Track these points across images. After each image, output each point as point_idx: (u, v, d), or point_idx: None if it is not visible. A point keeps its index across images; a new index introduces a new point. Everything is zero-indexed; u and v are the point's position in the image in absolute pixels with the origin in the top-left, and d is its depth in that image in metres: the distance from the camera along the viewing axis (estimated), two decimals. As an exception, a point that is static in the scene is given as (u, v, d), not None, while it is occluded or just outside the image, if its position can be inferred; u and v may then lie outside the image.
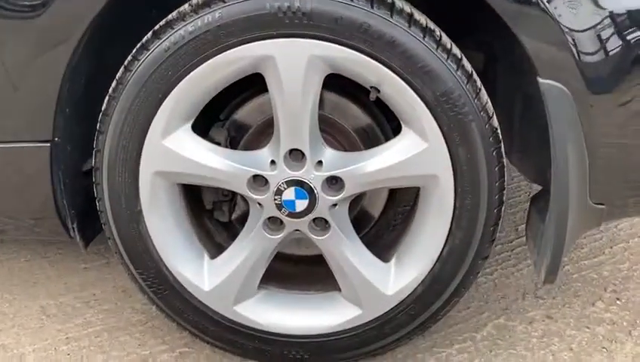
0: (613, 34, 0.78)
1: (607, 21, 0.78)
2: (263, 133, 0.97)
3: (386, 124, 1.00)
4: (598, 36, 0.78)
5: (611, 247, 1.37)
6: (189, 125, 0.89)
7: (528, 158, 1.06)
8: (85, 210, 1.00)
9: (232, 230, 1.05)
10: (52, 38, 0.85)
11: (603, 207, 0.91)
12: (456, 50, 0.83)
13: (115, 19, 0.87)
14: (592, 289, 1.22)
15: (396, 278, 0.94)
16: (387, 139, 0.97)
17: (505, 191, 0.89)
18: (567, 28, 0.78)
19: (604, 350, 1.06)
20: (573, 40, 0.78)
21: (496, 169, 0.86)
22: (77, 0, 0.83)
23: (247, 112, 0.99)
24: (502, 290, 1.22)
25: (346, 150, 0.96)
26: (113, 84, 0.87)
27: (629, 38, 0.79)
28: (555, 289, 1.22)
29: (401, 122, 0.87)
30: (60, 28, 0.84)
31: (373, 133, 0.98)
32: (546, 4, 0.77)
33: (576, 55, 0.79)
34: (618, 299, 1.19)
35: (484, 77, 0.88)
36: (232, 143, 0.98)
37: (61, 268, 1.32)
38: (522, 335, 1.09)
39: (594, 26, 0.78)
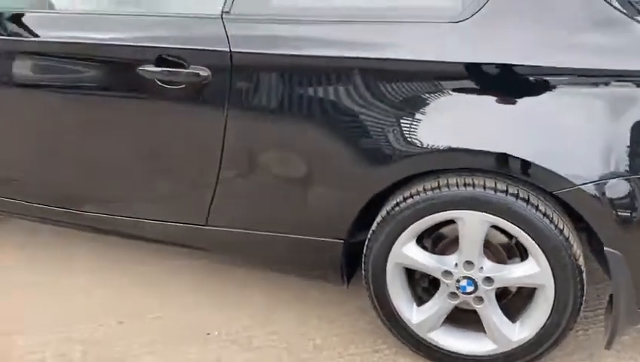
0: None
1: None
2: (451, 246, 1.79)
3: (518, 249, 1.76)
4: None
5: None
6: (414, 240, 1.73)
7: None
8: (352, 266, 1.90)
9: (429, 293, 1.89)
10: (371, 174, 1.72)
11: (645, 311, 1.63)
12: (565, 229, 1.58)
13: None
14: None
15: (518, 333, 1.71)
16: (521, 255, 1.74)
17: (584, 295, 1.63)
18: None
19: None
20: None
21: (579, 281, 1.61)
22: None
23: (444, 233, 1.81)
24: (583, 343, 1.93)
25: (497, 262, 1.75)
26: (378, 219, 1.74)
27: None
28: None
29: (529, 253, 1.64)
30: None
31: (512, 252, 1.76)
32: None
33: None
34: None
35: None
36: (434, 247, 1.81)
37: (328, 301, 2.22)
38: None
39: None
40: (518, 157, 1.53)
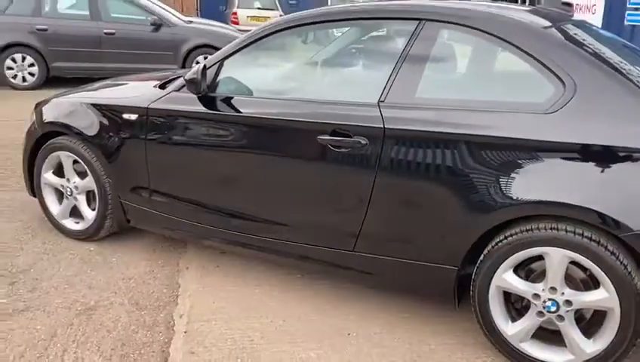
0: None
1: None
2: (540, 276, 2.36)
3: (592, 280, 2.30)
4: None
5: None
6: (512, 269, 2.34)
7: None
8: (464, 289, 2.51)
9: (521, 313, 2.45)
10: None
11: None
12: (629, 265, 2.13)
13: None
14: None
15: (592, 347, 2.24)
16: (593, 283, 2.28)
17: (641, 316, 2.15)
18: None
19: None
20: None
21: (639, 305, 2.14)
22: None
23: (534, 267, 2.40)
24: None
25: (575, 289, 2.29)
26: (485, 252, 2.37)
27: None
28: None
29: (600, 282, 2.19)
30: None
31: (586, 284, 2.30)
32: None
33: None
34: None
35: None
36: (528, 274, 2.39)
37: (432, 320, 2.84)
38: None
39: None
40: (594, 210, 2.13)
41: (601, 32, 2.98)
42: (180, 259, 3.36)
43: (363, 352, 2.52)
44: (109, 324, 2.69)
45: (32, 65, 8.80)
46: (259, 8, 16.44)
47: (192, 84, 2.82)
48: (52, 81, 8.81)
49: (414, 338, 2.62)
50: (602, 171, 2.16)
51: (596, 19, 8.09)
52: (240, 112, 2.84)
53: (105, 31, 8.84)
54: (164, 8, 9.71)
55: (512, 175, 2.27)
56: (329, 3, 16.69)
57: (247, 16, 16.04)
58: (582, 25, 2.78)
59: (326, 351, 2.52)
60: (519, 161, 2.27)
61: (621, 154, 2.14)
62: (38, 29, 8.71)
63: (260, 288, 3.04)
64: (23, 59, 8.77)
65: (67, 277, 3.12)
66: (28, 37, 8.70)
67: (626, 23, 7.51)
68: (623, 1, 7.55)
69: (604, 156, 2.16)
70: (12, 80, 8.80)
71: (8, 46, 8.70)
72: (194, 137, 2.96)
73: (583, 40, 2.44)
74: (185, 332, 2.65)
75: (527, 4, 12.02)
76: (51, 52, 8.77)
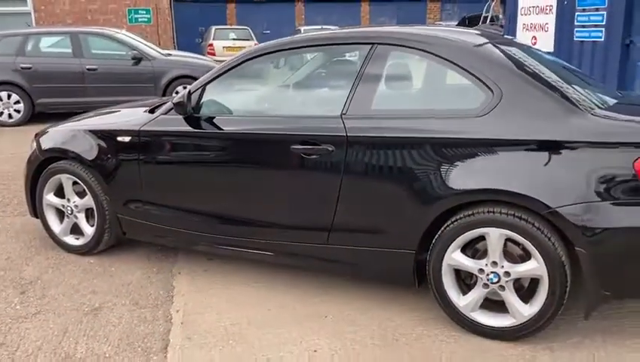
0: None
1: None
2: (483, 254, 2.78)
3: (525, 254, 2.72)
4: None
5: None
6: (459, 249, 2.76)
7: None
8: (422, 272, 2.92)
9: (468, 286, 2.86)
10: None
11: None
12: (552, 237, 2.55)
13: None
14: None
15: (529, 310, 2.66)
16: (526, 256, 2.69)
17: (567, 283, 2.57)
18: None
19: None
20: None
21: (563, 273, 2.55)
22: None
23: (479, 246, 2.81)
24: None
25: (512, 262, 2.71)
26: (436, 236, 2.78)
27: None
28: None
29: (531, 255, 2.62)
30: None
31: (520, 255, 2.72)
32: None
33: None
34: None
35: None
36: (474, 253, 2.81)
37: (393, 296, 3.24)
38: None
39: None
40: (521, 193, 2.57)
41: (528, 47, 3.47)
42: (172, 266, 3.73)
43: (337, 330, 2.91)
44: (114, 321, 3.05)
45: (17, 102, 9.16)
46: (234, 39, 17.01)
47: (179, 107, 3.23)
48: (38, 116, 9.16)
49: (383, 316, 3.02)
50: (525, 160, 2.61)
51: (549, 37, 8.71)
52: (222, 129, 3.25)
53: (87, 67, 9.25)
54: (143, 43, 10.16)
55: (454, 169, 2.71)
56: (302, 31, 17.28)
57: (223, 47, 16.60)
58: (511, 42, 3.27)
59: (305, 331, 2.90)
60: (458, 157, 2.70)
61: (539, 145, 2.59)
62: (22, 68, 9.09)
63: (246, 285, 3.41)
64: (9, 96, 9.13)
65: (72, 285, 3.47)
66: (13, 75, 9.07)
67: (575, 39, 8.11)
68: (572, 19, 8.16)
69: (526, 148, 2.61)
70: (-3, 117, 9.14)
71: (-6, 85, 9.06)
72: (182, 153, 3.37)
73: (508, 54, 2.92)
74: (182, 323, 3.02)
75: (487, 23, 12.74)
76: (36, 89, 9.13)
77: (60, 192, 3.89)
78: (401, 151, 2.81)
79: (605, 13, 7.50)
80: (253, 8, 23.94)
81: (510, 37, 3.66)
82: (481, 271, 2.73)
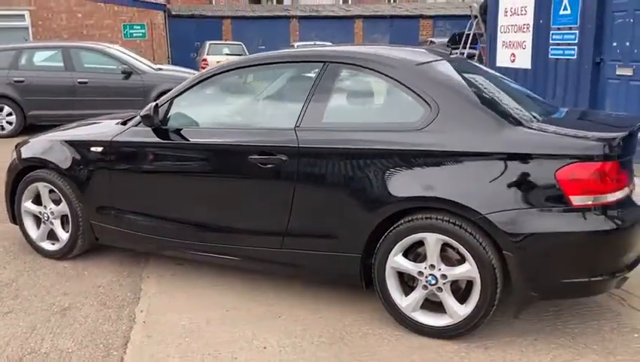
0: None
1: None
2: (423, 257, 2.98)
3: (453, 257, 2.91)
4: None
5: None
6: (401, 253, 2.96)
7: None
8: (368, 274, 3.11)
9: (411, 288, 3.05)
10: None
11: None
12: (484, 242, 2.75)
13: None
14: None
15: (464, 310, 2.85)
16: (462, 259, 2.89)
17: (498, 285, 2.76)
18: None
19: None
20: None
21: (493, 275, 2.75)
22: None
23: (420, 251, 3.00)
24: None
25: (449, 265, 2.91)
26: (381, 240, 2.98)
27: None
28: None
29: (465, 258, 2.82)
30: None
31: (457, 259, 2.91)
32: None
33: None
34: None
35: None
36: (416, 256, 3.00)
37: (340, 297, 3.44)
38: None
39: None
40: (453, 200, 2.78)
41: (474, 65, 3.70)
42: (142, 270, 3.93)
43: (288, 329, 3.10)
44: (80, 319, 3.24)
45: (10, 114, 9.40)
46: (227, 54, 17.31)
47: (146, 119, 3.45)
48: (29, 128, 9.37)
49: (333, 317, 3.21)
50: (458, 170, 2.82)
51: (526, 54, 8.98)
52: (186, 140, 3.46)
53: (78, 80, 9.50)
54: (134, 57, 10.42)
55: (394, 178, 2.91)
56: (295, 47, 17.59)
57: (217, 62, 16.84)
58: (456, 60, 3.50)
59: (259, 330, 3.09)
60: (399, 167, 2.91)
61: (472, 156, 2.80)
62: (15, 81, 9.34)
63: (208, 288, 3.61)
64: (1, 109, 9.37)
65: (45, 287, 3.66)
66: (6, 88, 9.32)
67: (550, 56, 8.37)
68: (547, 37, 8.42)
69: (459, 159, 2.82)
70: (-10, 130, 9.36)
71: (-13, 97, 9.30)
72: (149, 163, 3.59)
73: (448, 72, 3.14)
74: (144, 322, 3.21)
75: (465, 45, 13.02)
76: (28, 102, 9.38)
77: (37, 200, 4.09)
78: (347, 161, 3.02)
79: (577, 32, 7.77)
80: (249, 24, 24.33)
81: (459, 55, 3.88)
82: (421, 273, 2.92)
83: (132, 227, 3.73)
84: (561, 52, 8.15)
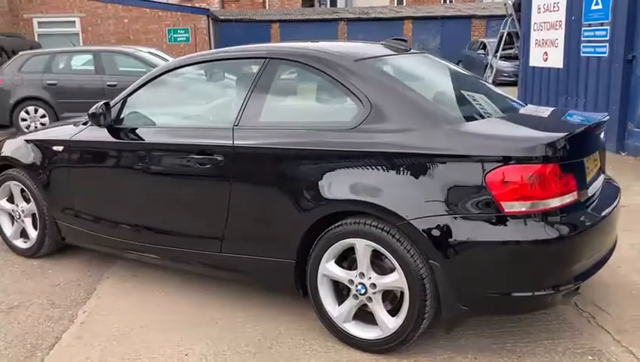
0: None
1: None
2: (355, 263, 2.79)
3: (386, 266, 2.69)
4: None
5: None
6: (334, 260, 2.78)
7: None
8: (304, 283, 2.95)
9: (343, 297, 2.86)
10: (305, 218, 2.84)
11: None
12: (412, 249, 2.54)
13: None
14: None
15: (394, 323, 2.64)
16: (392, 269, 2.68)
17: (426, 296, 2.54)
18: None
19: None
20: None
21: (421, 285, 2.53)
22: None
23: (354, 258, 2.82)
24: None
25: (380, 274, 2.71)
26: (313, 246, 2.81)
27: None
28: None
29: (395, 268, 2.61)
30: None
31: (387, 267, 2.70)
32: None
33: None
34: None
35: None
36: (350, 264, 2.82)
37: (276, 303, 3.27)
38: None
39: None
40: (378, 204, 2.58)
41: (435, 61, 3.46)
42: (106, 270, 3.91)
43: (220, 336, 2.97)
44: (22, 319, 3.24)
45: (43, 116, 9.74)
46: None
47: (92, 118, 3.42)
48: (60, 129, 9.69)
49: (270, 325, 3.06)
50: (385, 172, 2.61)
51: (558, 53, 8.49)
52: (135, 140, 3.41)
53: (108, 83, 9.73)
54: (164, 59, 10.58)
55: (324, 180, 2.74)
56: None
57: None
58: (414, 56, 3.28)
59: (190, 335, 2.99)
60: (329, 169, 2.74)
61: (400, 158, 2.60)
62: (48, 84, 9.67)
63: (159, 291, 3.54)
64: (36, 111, 9.73)
65: (5, 285, 3.70)
66: (40, 91, 9.67)
67: (581, 54, 7.88)
68: (579, 34, 7.93)
69: (386, 160, 2.62)
70: (25, 130, 9.71)
71: (23, 100, 9.69)
72: (102, 163, 3.56)
73: (388, 69, 2.94)
74: (81, 323, 3.17)
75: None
76: (60, 104, 9.69)
77: (12, 198, 4.15)
78: (280, 162, 2.88)
79: (609, 27, 7.28)
80: (297, 27, 24.38)
81: (419, 51, 3.65)
82: (351, 281, 2.74)
83: (92, 228, 3.71)
84: (592, 49, 7.66)
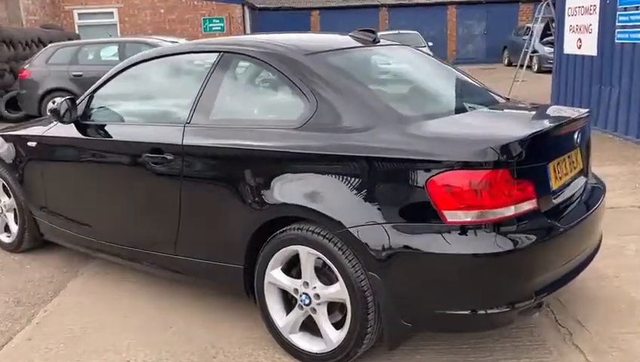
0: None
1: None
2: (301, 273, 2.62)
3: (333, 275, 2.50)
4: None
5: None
6: (280, 267, 2.61)
7: None
8: (252, 285, 2.79)
9: (291, 306, 2.69)
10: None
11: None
12: (353, 260, 2.34)
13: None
14: None
15: (338, 336, 2.46)
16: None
17: (368, 309, 2.34)
18: None
19: None
20: None
21: (362, 298, 2.33)
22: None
23: (299, 268, 2.64)
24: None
25: (325, 284, 2.52)
26: (259, 252, 2.65)
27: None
28: None
29: (338, 278, 2.42)
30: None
31: (330, 278, 2.51)
32: None
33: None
34: None
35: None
36: (298, 273, 2.64)
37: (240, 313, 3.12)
38: None
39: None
40: (316, 210, 2.40)
41: (412, 53, 3.21)
42: (82, 267, 3.86)
43: (169, 342, 2.86)
44: (-18, 317, 3.22)
45: (70, 107, 9.88)
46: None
47: (53, 114, 3.35)
48: (86, 120, 9.84)
49: (224, 333, 2.92)
50: (326, 176, 2.42)
51: (592, 39, 7.98)
52: (93, 137, 3.33)
53: (132, 74, 9.78)
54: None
55: (268, 183, 2.57)
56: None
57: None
58: (379, 48, 3.05)
59: (140, 340, 2.89)
60: (274, 171, 2.56)
61: (340, 160, 2.40)
62: (74, 75, 9.81)
63: (126, 291, 3.46)
64: (63, 102, 9.88)
65: (-20, 280, 3.71)
66: (66, 82, 9.82)
67: (616, 41, 7.36)
68: (613, 19, 7.41)
69: (328, 163, 2.43)
70: (53, 121, 9.92)
71: (50, 91, 9.87)
72: (65, 159, 3.50)
73: (340, 63, 2.74)
74: (37, 323, 3.12)
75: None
76: (85, 95, 9.80)
77: (-2, 192, 4.17)
78: (226, 163, 2.73)
79: (645, 11, 6.75)
80: (338, 15, 24.09)
81: (391, 42, 3.40)
82: (297, 291, 2.57)
83: (63, 225, 3.66)
84: (627, 36, 7.14)
